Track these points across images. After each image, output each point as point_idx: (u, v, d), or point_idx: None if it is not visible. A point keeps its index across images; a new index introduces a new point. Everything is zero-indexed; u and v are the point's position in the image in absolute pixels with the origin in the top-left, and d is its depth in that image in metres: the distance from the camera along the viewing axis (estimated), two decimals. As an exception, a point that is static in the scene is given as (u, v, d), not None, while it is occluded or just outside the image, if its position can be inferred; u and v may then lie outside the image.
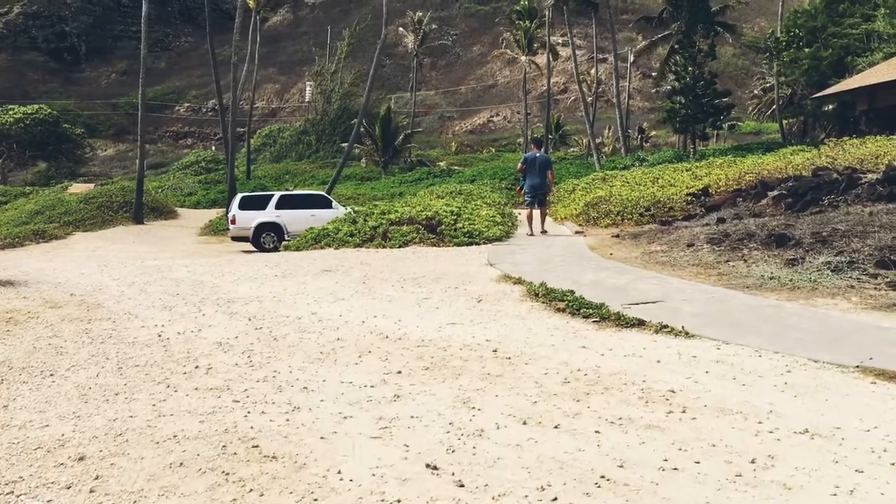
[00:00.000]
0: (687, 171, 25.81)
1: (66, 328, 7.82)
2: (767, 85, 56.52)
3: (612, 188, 24.18)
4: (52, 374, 5.98)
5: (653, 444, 4.16)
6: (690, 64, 42.06)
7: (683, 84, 42.28)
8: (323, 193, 27.20)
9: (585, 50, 77.33)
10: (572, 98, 79.33)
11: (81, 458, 4.13)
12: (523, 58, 59.78)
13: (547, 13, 53.87)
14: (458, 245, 15.29)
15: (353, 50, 75.86)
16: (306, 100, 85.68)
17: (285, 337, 7.18)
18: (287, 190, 34.48)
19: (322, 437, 4.37)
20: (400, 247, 15.25)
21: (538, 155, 17.77)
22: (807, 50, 40.14)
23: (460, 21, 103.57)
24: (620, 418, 4.59)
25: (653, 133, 69.90)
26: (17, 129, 60.09)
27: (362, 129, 49.22)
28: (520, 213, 21.85)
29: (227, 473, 3.88)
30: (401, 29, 76.19)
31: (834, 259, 9.52)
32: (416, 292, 9.55)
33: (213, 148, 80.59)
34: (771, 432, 4.29)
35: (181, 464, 4.02)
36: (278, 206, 23.63)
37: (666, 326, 6.83)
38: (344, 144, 48.71)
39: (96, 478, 3.88)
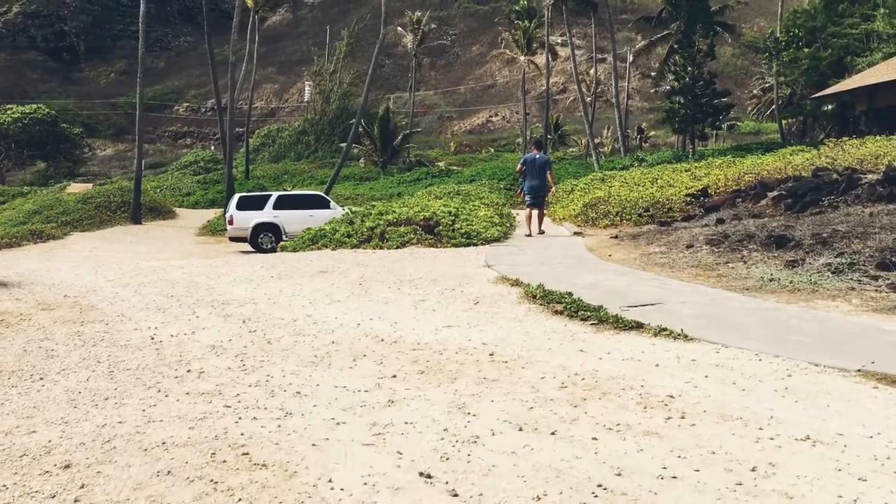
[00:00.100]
0: (686, 171, 25.73)
1: (58, 331, 7.73)
2: (767, 85, 56.53)
3: (611, 189, 24.11)
4: (41, 378, 5.89)
5: (651, 452, 4.07)
6: (690, 64, 42.00)
7: (682, 84, 42.22)
8: (321, 194, 27.11)
9: (584, 50, 77.37)
10: (571, 98, 79.30)
11: (67, 466, 4.04)
12: (522, 58, 59.77)
13: (546, 13, 53.84)
14: (456, 246, 15.21)
15: (352, 50, 75.79)
16: (305, 100, 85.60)
17: (279, 340, 7.09)
18: (285, 190, 34.40)
19: (314, 444, 4.28)
20: (397, 248, 15.17)
21: (538, 156, 17.70)
22: (806, 50, 40.11)
23: (459, 21, 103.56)
24: (618, 424, 4.50)
25: (652, 133, 69.90)
26: (16, 128, 59.99)
27: (361, 129, 49.17)
28: (518, 214, 21.79)
29: (216, 482, 3.79)
30: (399, 29, 76.16)
31: (834, 260, 9.44)
32: (412, 294, 9.47)
33: (213, 148, 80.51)
34: (772, 439, 4.20)
35: (169, 472, 3.93)
36: (276, 207, 23.56)
37: (665, 329, 6.74)
38: (343, 144, 48.61)
39: (82, 486, 3.78)
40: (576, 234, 17.60)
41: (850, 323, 6.92)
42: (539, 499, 3.53)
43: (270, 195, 24.64)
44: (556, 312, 7.84)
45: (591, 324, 7.26)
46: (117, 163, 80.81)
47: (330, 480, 3.78)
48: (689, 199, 18.72)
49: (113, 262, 16.54)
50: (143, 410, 4.99)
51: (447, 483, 3.72)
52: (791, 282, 8.84)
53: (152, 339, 7.27)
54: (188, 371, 6.01)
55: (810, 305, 7.73)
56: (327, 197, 26.18)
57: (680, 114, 42.37)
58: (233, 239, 24.13)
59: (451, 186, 32.78)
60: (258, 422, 4.70)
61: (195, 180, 55.90)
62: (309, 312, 8.53)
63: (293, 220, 22.73)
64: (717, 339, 6.46)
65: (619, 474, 3.79)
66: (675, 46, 44.80)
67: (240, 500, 3.60)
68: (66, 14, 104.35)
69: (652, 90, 75.37)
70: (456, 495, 3.59)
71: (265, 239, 23.01)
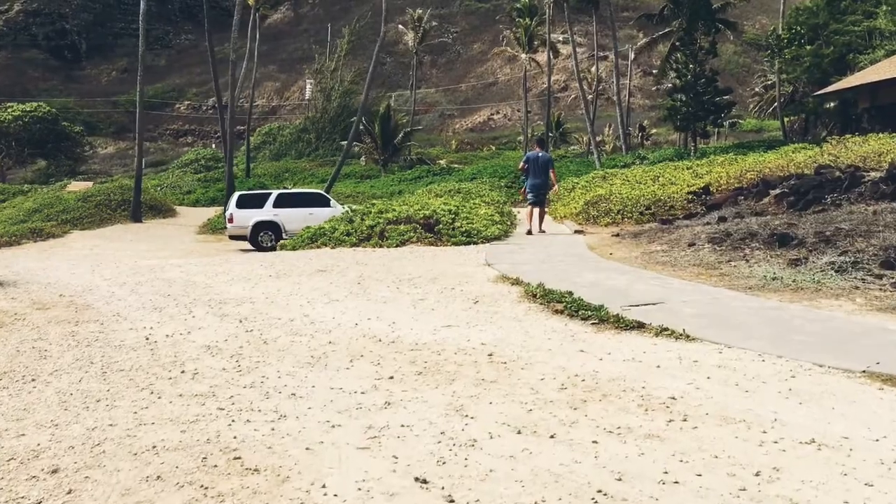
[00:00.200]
0: (688, 169, 25.63)
1: (52, 330, 7.65)
2: (769, 82, 56.35)
3: (613, 187, 24.00)
4: (33, 380, 5.81)
5: (652, 455, 3.98)
6: (691, 61, 41.90)
7: (684, 82, 42.12)
8: (321, 192, 27.04)
9: (586, 47, 77.20)
10: (573, 96, 79.11)
11: (55, 471, 3.95)
12: (524, 55, 59.66)
13: (547, 10, 53.71)
14: (456, 244, 15.12)
15: (354, 48, 75.68)
16: (306, 98, 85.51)
17: (276, 340, 7.00)
18: (285, 188, 34.31)
19: (308, 448, 4.19)
20: (397, 246, 15.08)
21: (540, 154, 17.60)
22: (808, 47, 39.96)
23: (460, 18, 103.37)
24: (619, 427, 4.41)
25: (653, 131, 69.74)
26: (16, 126, 59.95)
27: (362, 128, 49.09)
28: (519, 212, 21.70)
29: (206, 487, 3.70)
30: (401, 26, 75.95)
31: (838, 259, 9.34)
32: (411, 293, 9.37)
33: (214, 146, 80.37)
34: (776, 442, 4.11)
35: (158, 477, 3.84)
36: (276, 205, 23.49)
37: (666, 329, 6.65)
38: (343, 142, 48.51)
39: (69, 492, 3.70)
40: (577, 232, 17.50)
41: (854, 322, 6.83)
42: (537, 505, 3.44)
43: (270, 193, 24.58)
44: (557, 312, 7.75)
45: (592, 323, 7.17)
46: (118, 161, 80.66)
47: (323, 486, 3.69)
48: (690, 197, 18.62)
49: (111, 261, 16.45)
50: (135, 413, 4.90)
51: (443, 489, 3.63)
52: (794, 281, 8.75)
53: (147, 339, 7.19)
54: (182, 372, 5.92)
55: (814, 305, 7.64)
56: (327, 195, 26.12)
57: (682, 111, 42.27)
58: (233, 237, 24.06)
59: (451, 184, 32.71)
60: (251, 424, 4.61)
61: (196, 178, 55.83)
62: (307, 312, 8.44)
63: (293, 219, 22.65)
64: (719, 338, 6.37)
65: (620, 479, 3.70)
66: (677, 44, 44.66)
67: (230, 506, 3.51)
68: (68, 12, 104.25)
69: (653, 88, 75.19)
70: (452, 501, 3.51)
71: (265, 237, 22.94)
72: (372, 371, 5.82)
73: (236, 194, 25.36)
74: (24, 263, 15.33)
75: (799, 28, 41.28)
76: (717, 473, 3.73)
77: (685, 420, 4.49)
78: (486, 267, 11.44)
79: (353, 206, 21.30)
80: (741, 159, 25.16)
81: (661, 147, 57.48)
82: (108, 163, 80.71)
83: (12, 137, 60.52)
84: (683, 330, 6.57)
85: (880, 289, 8.17)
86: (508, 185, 37.03)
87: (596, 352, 6.15)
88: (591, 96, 60.49)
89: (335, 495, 3.58)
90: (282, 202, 23.64)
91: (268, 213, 23.33)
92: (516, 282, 9.61)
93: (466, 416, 4.69)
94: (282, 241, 19.54)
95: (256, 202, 23.80)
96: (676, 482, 3.65)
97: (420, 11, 71.71)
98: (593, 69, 66.16)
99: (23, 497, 3.66)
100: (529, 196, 17.45)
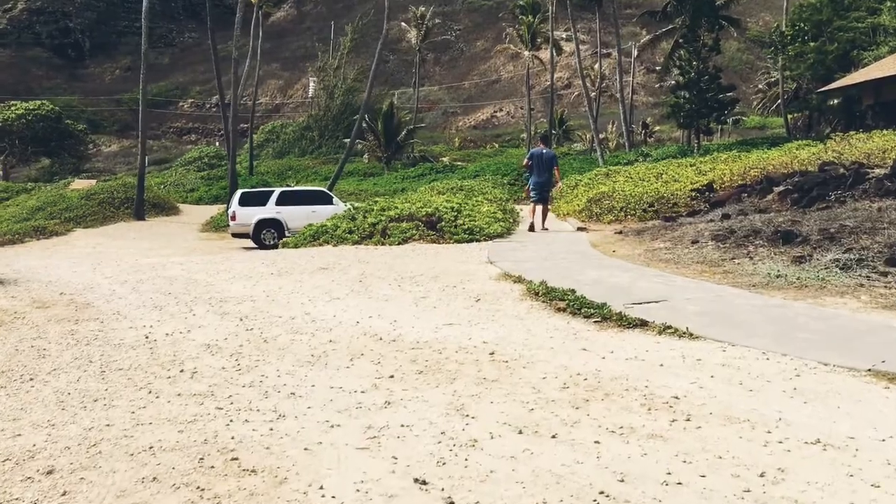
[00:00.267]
0: (691, 166, 25.54)
1: (51, 329, 7.61)
2: (772, 79, 56.23)
3: (616, 184, 23.91)
4: (31, 379, 5.76)
5: (655, 456, 3.93)
6: (695, 58, 41.76)
7: (688, 79, 41.99)
8: (324, 189, 26.98)
9: (589, 45, 77.08)
10: (576, 93, 79.01)
11: (50, 472, 3.91)
12: (527, 53, 59.46)
13: (550, 8, 53.54)
14: (459, 242, 15.06)
15: (357, 45, 75.57)
16: (309, 95, 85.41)
17: (276, 339, 6.95)
18: (288, 186, 34.27)
19: (306, 449, 4.14)
20: (399, 244, 15.03)
21: (544, 151, 17.54)
22: (812, 44, 39.85)
23: (463, 16, 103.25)
24: (621, 427, 4.35)
25: (657, 128, 69.58)
26: (19, 125, 59.92)
27: (365, 125, 49.04)
28: (522, 209, 21.63)
29: (202, 489, 3.65)
30: (403, 24, 75.85)
31: (842, 256, 9.27)
32: (413, 291, 9.32)
33: (217, 144, 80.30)
34: (780, 442, 4.06)
35: (154, 478, 3.79)
36: (279, 203, 23.45)
37: (669, 327, 6.59)
38: (347, 140, 48.46)
39: (63, 494, 3.65)
40: (580, 229, 17.43)
41: (859, 320, 6.76)
42: (538, 507, 3.39)
43: (273, 191, 24.54)
44: (559, 310, 7.70)
45: (595, 321, 7.11)
46: (122, 159, 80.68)
47: (321, 487, 3.64)
48: (694, 194, 18.54)
49: (112, 259, 16.41)
50: (133, 413, 4.86)
51: (443, 490, 3.58)
52: (798, 278, 8.68)
53: (146, 337, 7.14)
54: (181, 371, 5.88)
55: (818, 302, 7.57)
56: (330, 193, 26.06)
57: (685, 108, 42.15)
58: (235, 235, 24.02)
59: (454, 182, 32.66)
60: (250, 424, 4.56)
61: (199, 176, 55.75)
62: (308, 310, 8.39)
63: (296, 216, 22.61)
64: (722, 337, 6.30)
65: (622, 480, 3.64)
66: (680, 41, 44.55)
67: (226, 508, 3.46)
68: (72, 10, 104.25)
69: (657, 85, 75.11)
70: (451, 503, 3.45)
71: (268, 235, 22.89)
72: (372, 370, 5.77)
73: (239, 192, 25.31)
74: (25, 261, 15.31)
75: (802, 25, 41.17)
76: (721, 474, 3.68)
77: (688, 420, 4.43)
78: (488, 265, 11.38)
79: (356, 204, 21.24)
80: (745, 156, 25.06)
81: (665, 144, 57.37)
82: (112, 161, 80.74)
83: (16, 136, 60.49)
84: (687, 328, 6.51)
85: (885, 286, 8.10)
86: (511, 182, 36.93)
87: (598, 350, 6.09)
88: (594, 93, 60.39)
89: (333, 497, 3.53)
90: (284, 200, 23.60)
91: (270, 210, 23.28)
92: (518, 279, 9.55)
93: (467, 415, 4.64)
94: (284, 239, 19.48)
95: (259, 200, 23.76)
96: (680, 483, 3.59)
97: (423, 9, 71.59)
98: (596, 66, 66.02)
99: (17, 499, 3.62)
100: (533, 193, 17.38)
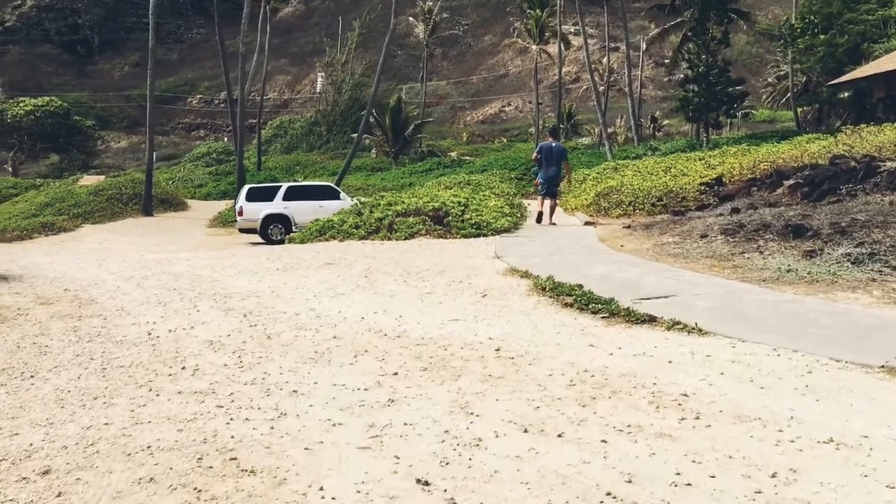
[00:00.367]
0: (700, 160, 25.39)
1: (54, 326, 7.55)
2: (782, 73, 55.94)
3: (624, 178, 23.79)
4: (32, 376, 5.70)
5: (664, 456, 3.83)
6: (703, 52, 41.53)
7: (696, 72, 41.76)
8: (331, 185, 26.93)
9: (597, 39, 76.67)
10: (584, 87, 78.67)
11: (46, 472, 3.84)
12: (535, 47, 59.33)
13: (558, 2, 53.34)
14: (466, 237, 14.97)
15: (365, 40, 75.43)
16: (317, 91, 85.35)
17: (280, 335, 6.88)
18: (295, 181, 34.24)
19: (307, 448, 4.06)
20: (406, 239, 14.93)
21: (554, 145, 17.42)
22: (822, 37, 39.56)
23: (471, 10, 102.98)
24: (629, 426, 4.25)
25: (665, 122, 69.29)
26: (28, 121, 60.09)
27: (372, 120, 48.93)
28: (529, 204, 21.52)
29: (200, 490, 3.57)
30: (411, 19, 75.79)
31: (854, 251, 9.13)
32: (419, 286, 9.23)
33: (225, 139, 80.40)
34: (792, 442, 3.95)
35: (151, 479, 3.71)
36: (286, 198, 23.41)
37: (678, 323, 6.48)
38: (354, 135, 48.38)
39: (59, 494, 3.58)
40: (587, 223, 17.33)
41: (871, 316, 6.64)
42: (543, 509, 3.30)
43: (280, 186, 24.52)
44: (566, 305, 7.60)
45: (602, 317, 7.01)
46: (131, 155, 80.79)
47: (321, 488, 3.55)
48: (703, 188, 18.41)
49: (119, 255, 16.38)
50: (132, 411, 4.78)
51: (445, 491, 3.50)
52: (809, 273, 8.55)
53: (149, 334, 7.07)
54: (183, 368, 5.81)
55: (829, 297, 7.45)
56: (338, 188, 26.00)
57: (694, 102, 41.93)
58: (243, 230, 24.01)
59: (461, 176, 32.51)
60: (250, 423, 4.48)
61: (207, 172, 55.87)
62: (312, 306, 8.31)
63: (303, 212, 22.54)
64: (732, 333, 6.20)
65: (630, 481, 3.55)
66: (689, 34, 44.30)
67: (223, 509, 3.39)
68: (80, 7, 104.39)
69: (665, 79, 74.69)
70: (454, 504, 3.37)
71: (275, 230, 22.86)
72: (376, 367, 5.68)
73: (246, 187, 25.30)
74: (31, 257, 15.28)
75: (812, 17, 40.85)
76: (732, 475, 3.58)
77: (698, 418, 4.34)
78: (495, 259, 11.29)
79: (363, 199, 21.16)
80: (754, 150, 24.92)
81: (674, 138, 57.07)
82: (121, 157, 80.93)
83: (25, 132, 60.69)
84: (696, 324, 6.40)
85: (898, 281, 7.97)
86: (519, 177, 36.79)
87: (606, 346, 5.99)
88: (602, 87, 60.12)
89: (333, 498, 3.45)
90: (292, 195, 23.56)
91: (278, 206, 23.25)
92: (525, 275, 9.45)
93: (471, 413, 4.55)
94: (290, 235, 19.42)
95: (266, 195, 23.74)
96: (689, 484, 3.50)
97: (430, 3, 71.37)
98: (605, 60, 65.75)
99: (12, 500, 3.55)
100: (541, 188, 17.28)
